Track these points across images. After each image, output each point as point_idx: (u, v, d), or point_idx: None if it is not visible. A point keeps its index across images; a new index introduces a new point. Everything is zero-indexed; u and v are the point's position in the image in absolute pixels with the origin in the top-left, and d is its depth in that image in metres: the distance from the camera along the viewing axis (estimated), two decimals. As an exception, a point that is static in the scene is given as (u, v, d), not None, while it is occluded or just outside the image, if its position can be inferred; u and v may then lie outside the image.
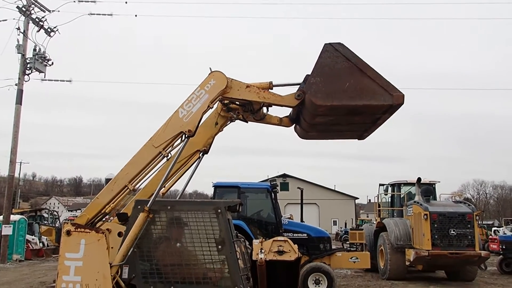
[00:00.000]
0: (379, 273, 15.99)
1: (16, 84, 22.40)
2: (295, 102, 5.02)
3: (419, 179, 15.41)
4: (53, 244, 27.15)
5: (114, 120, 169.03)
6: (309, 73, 4.94)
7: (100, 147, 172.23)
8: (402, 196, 17.42)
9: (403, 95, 4.79)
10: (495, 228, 34.87)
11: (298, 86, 5.13)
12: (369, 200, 79.13)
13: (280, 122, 5.56)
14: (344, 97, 4.72)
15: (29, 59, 22.24)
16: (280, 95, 5.04)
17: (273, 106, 5.43)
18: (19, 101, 22.15)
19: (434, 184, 17.27)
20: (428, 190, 15.56)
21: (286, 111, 5.61)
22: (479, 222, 17.52)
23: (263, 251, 9.88)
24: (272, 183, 13.31)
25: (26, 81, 22.53)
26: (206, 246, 4.55)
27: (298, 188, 16.25)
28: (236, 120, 5.51)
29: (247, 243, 11.18)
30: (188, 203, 4.93)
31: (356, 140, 6.00)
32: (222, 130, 5.47)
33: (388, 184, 18.34)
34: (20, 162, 58.33)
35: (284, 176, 59.83)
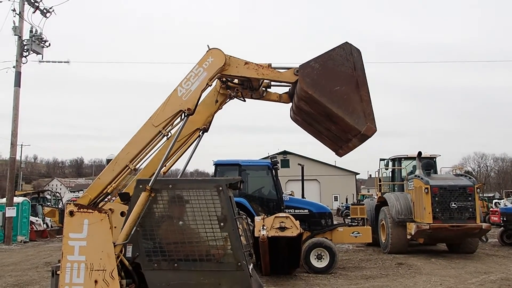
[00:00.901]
0: (381, 247, 16.16)
1: (14, 67, 22.23)
2: (294, 78, 5.01)
3: (419, 153, 15.43)
4: (56, 225, 27.39)
5: (114, 101, 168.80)
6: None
7: (101, 128, 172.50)
8: (402, 170, 17.47)
9: (375, 130, 4.87)
10: (496, 201, 35.09)
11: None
12: (370, 175, 79.48)
13: (280, 98, 5.53)
14: (326, 96, 4.74)
15: (26, 40, 22.02)
16: (279, 71, 5.01)
17: (272, 82, 5.39)
18: (17, 83, 22.02)
19: (435, 157, 17.30)
20: (429, 164, 15.59)
21: (285, 90, 5.57)
22: (480, 195, 17.65)
23: (265, 227, 9.96)
24: (272, 160, 13.32)
25: (23, 63, 22.34)
26: (209, 224, 4.57)
27: (299, 164, 16.28)
28: (235, 98, 5.48)
29: (249, 220, 11.28)
30: (189, 181, 4.93)
31: (334, 154, 5.99)
32: (221, 108, 5.44)
33: (389, 158, 18.36)
34: (21, 145, 58.53)
35: (285, 153, 59.94)
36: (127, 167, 4.70)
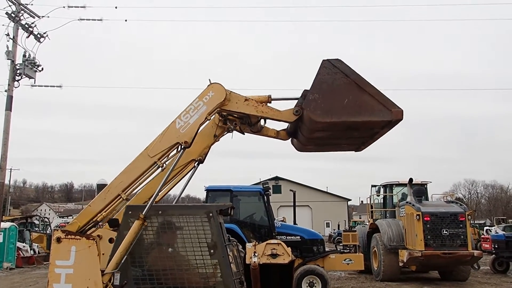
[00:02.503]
0: (373, 274, 16.02)
1: (5, 90, 22.21)
2: (293, 118, 5.01)
3: (411, 180, 15.47)
4: (44, 251, 26.88)
5: (105, 126, 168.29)
6: (307, 89, 4.95)
7: (91, 152, 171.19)
8: (394, 197, 17.48)
9: (402, 110, 4.81)
10: (487, 228, 35.13)
11: (297, 100, 5.14)
12: (362, 201, 79.04)
13: (277, 135, 5.52)
14: (343, 114, 4.73)
15: (18, 65, 22.04)
16: (279, 110, 5.01)
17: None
18: (8, 107, 21.94)
19: (426, 184, 17.36)
20: (420, 190, 15.65)
21: (283, 124, 5.59)
22: (471, 222, 17.58)
23: (256, 254, 9.86)
24: (264, 186, 13.29)
25: (16, 87, 22.30)
26: (198, 251, 4.51)
27: (291, 190, 16.25)
28: (233, 131, 5.48)
29: (239, 246, 11.15)
30: (179, 207, 4.89)
31: (353, 152, 6.00)
32: (218, 140, 5.42)
33: (380, 185, 18.39)
34: (11, 169, 57.80)
35: (276, 178, 59.84)
36: (119, 196, 4.63)
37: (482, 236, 24.85)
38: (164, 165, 4.79)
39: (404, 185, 16.81)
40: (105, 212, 4.62)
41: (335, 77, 4.77)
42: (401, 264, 14.64)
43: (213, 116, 5.05)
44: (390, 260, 14.82)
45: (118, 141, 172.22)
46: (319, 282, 11.34)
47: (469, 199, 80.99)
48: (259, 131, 5.44)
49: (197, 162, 5.27)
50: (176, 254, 4.52)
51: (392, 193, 17.69)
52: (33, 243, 26.24)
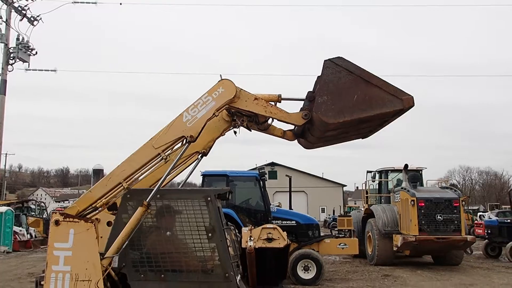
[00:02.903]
0: (367, 259, 16.20)
1: (-1, 74, 22.07)
2: (302, 122, 5.01)
3: (406, 166, 15.56)
4: (41, 235, 26.97)
5: (100, 110, 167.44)
6: (311, 90, 4.92)
7: (87, 137, 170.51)
8: (389, 182, 17.60)
9: (412, 97, 4.81)
10: (481, 213, 35.45)
11: (303, 103, 5.10)
12: (357, 187, 79.75)
13: (283, 135, 5.50)
14: (355, 111, 4.72)
15: (12, 48, 21.88)
16: (287, 112, 4.98)
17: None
18: (3, 91, 21.84)
19: (421, 170, 17.47)
20: (415, 176, 15.77)
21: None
22: (465, 208, 17.73)
23: (252, 238, 9.94)
24: (260, 171, 13.34)
25: (9, 71, 22.21)
26: (197, 234, 4.55)
27: (287, 175, 16.32)
28: (240, 127, 5.47)
29: (236, 231, 11.24)
30: (177, 191, 4.93)
31: (360, 139, 6.00)
32: (224, 135, 5.38)
33: (376, 171, 18.50)
34: (6, 154, 57.55)
35: (272, 164, 59.96)
36: (120, 185, 4.62)
37: (476, 221, 25.09)
38: (168, 158, 4.75)
39: (399, 171, 16.90)
40: (105, 199, 4.62)
41: (340, 75, 4.75)
42: (395, 249, 14.80)
43: (221, 112, 5.00)
44: (384, 244, 14.98)
45: (114, 126, 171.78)
46: (314, 266, 11.48)
47: (463, 185, 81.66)
48: (266, 129, 5.43)
49: (200, 155, 5.24)
50: (174, 237, 4.57)
51: (387, 178, 17.80)
52: (30, 227, 26.29)
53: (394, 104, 4.75)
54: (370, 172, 18.62)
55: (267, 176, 14.26)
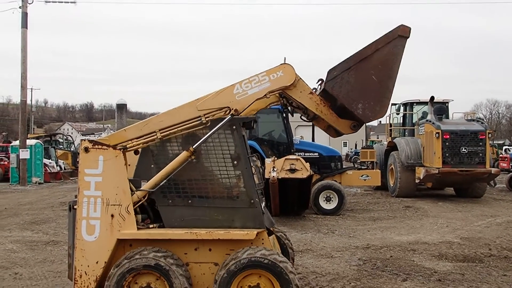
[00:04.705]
0: (389, 191, 16.37)
1: (20, 7, 21.91)
2: (348, 132, 4.87)
3: (432, 98, 15.23)
4: (70, 167, 27.95)
5: (124, 44, 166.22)
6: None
7: (111, 72, 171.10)
8: (414, 115, 17.35)
9: (402, 24, 4.62)
10: (506, 147, 35.01)
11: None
12: (380, 121, 78.73)
13: (327, 129, 5.32)
14: (386, 85, 4.58)
15: (30, -21, 21.54)
16: (337, 116, 4.79)
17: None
18: (24, 24, 21.78)
19: (447, 102, 17.11)
20: (441, 108, 15.47)
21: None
22: (491, 142, 17.35)
23: (275, 169, 10.07)
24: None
25: (30, 3, 22.01)
26: (222, 162, 4.60)
27: (310, 108, 16.17)
28: (286, 109, 5.33)
29: (259, 162, 11.39)
30: (202, 120, 4.94)
31: None
32: (268, 107, 5.24)
33: (401, 103, 18.21)
34: (31, 88, 58.52)
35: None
36: (154, 133, 4.61)
37: (501, 155, 24.82)
38: (208, 122, 4.61)
39: (425, 103, 16.60)
40: (136, 141, 4.64)
41: (345, 80, 4.54)
42: (417, 181, 14.87)
43: (273, 94, 4.85)
44: (406, 177, 15.05)
45: (139, 59, 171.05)
46: (336, 197, 11.67)
47: (489, 119, 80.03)
48: (311, 120, 5.30)
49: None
50: (200, 165, 4.63)
51: (412, 111, 17.53)
52: (59, 160, 27.20)
53: (398, 44, 4.58)
54: (395, 105, 18.33)
55: (290, 108, 14.17)
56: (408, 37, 4.67)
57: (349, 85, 4.55)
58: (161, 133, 4.58)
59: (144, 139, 4.63)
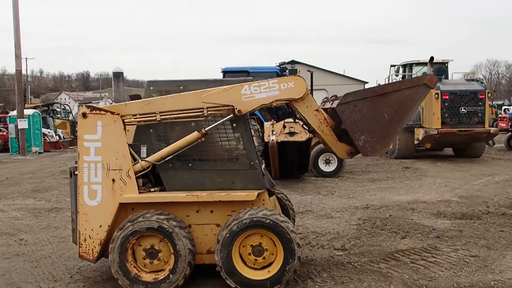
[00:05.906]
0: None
1: (9, -27, 21.33)
2: (345, 156, 4.83)
3: (431, 58, 15.12)
4: (68, 136, 27.94)
5: (119, 12, 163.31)
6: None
7: (105, 40, 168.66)
8: (413, 76, 17.23)
9: (432, 75, 4.61)
10: (506, 107, 34.95)
11: None
12: (378, 84, 78.48)
13: (324, 143, 5.23)
14: (395, 126, 4.52)
15: None
16: (337, 139, 4.69)
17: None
18: (15, -9, 21.27)
19: (447, 63, 16.98)
20: (440, 69, 15.35)
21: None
22: (490, 102, 17.20)
23: (274, 133, 10.07)
24: (281, 66, 13.14)
25: (19, -31, 21.40)
26: (221, 124, 4.59)
27: (308, 71, 16.02)
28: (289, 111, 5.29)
29: (258, 126, 11.39)
30: (200, 82, 4.89)
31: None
32: (272, 106, 5.14)
33: (400, 64, 18.08)
34: (26, 58, 57.79)
35: (293, 62, 58.57)
36: (154, 114, 4.56)
37: (500, 115, 24.80)
38: (210, 116, 4.54)
39: (424, 64, 16.48)
40: (134, 118, 4.59)
41: (357, 108, 4.45)
42: (416, 142, 14.93)
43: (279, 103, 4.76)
44: (405, 138, 15.07)
45: (134, 28, 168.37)
46: (335, 159, 11.71)
47: (489, 80, 79.50)
48: (311, 132, 5.27)
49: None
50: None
51: (411, 72, 17.41)
52: (57, 129, 27.16)
53: (420, 91, 4.52)
54: (394, 66, 18.20)
55: (287, 72, 14.06)
56: (433, 88, 4.65)
57: (359, 115, 4.50)
58: (161, 116, 4.54)
59: (143, 117, 4.60)
